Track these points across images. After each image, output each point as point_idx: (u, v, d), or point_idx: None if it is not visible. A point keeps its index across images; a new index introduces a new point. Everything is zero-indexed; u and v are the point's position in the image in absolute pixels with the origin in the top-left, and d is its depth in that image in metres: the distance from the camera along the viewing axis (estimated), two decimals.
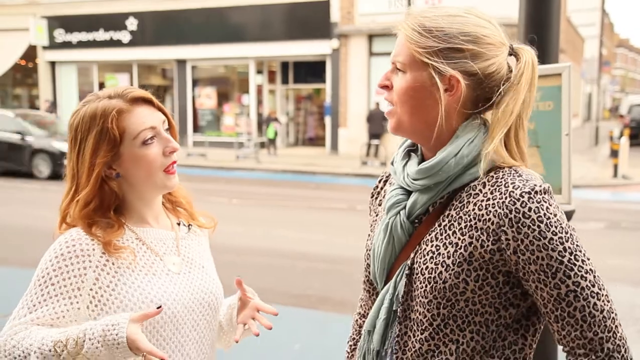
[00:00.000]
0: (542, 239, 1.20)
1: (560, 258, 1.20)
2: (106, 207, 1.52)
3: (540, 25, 2.19)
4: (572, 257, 1.21)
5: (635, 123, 26.54)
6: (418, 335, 1.31)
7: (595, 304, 1.21)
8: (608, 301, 1.23)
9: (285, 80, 23.68)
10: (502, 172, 1.27)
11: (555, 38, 2.21)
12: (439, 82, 1.27)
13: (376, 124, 18.22)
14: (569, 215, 2.23)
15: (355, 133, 20.40)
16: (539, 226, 1.20)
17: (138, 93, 1.53)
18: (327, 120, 21.94)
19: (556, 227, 1.21)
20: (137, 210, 1.57)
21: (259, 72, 23.03)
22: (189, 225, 1.69)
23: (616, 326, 1.23)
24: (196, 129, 23.55)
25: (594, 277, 1.22)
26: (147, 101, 1.54)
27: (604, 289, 1.23)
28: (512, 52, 1.32)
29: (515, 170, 1.27)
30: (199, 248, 1.68)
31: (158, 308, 1.40)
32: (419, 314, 1.31)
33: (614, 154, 16.43)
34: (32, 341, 1.38)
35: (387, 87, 1.35)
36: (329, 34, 20.73)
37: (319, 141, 23.52)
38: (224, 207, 11.57)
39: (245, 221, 10.17)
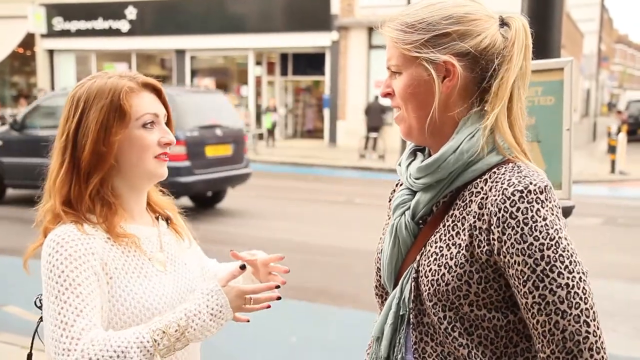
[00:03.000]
0: (522, 242, 1.14)
1: (534, 266, 1.13)
2: (108, 186, 1.48)
3: (543, 19, 2.18)
4: (547, 268, 1.13)
5: (633, 119, 26.64)
6: (435, 339, 1.26)
7: (557, 322, 1.12)
8: (577, 322, 1.12)
9: (284, 72, 23.63)
10: (505, 168, 1.23)
11: (557, 32, 2.20)
12: (433, 71, 1.25)
13: (374, 116, 18.20)
14: (569, 210, 2.23)
15: (353, 126, 20.39)
16: (522, 229, 1.14)
17: (149, 80, 1.53)
18: (326, 112, 21.92)
19: (540, 232, 1.14)
20: (124, 200, 1.52)
21: (258, 63, 22.99)
22: (167, 219, 1.65)
23: (580, 350, 1.12)
24: None
25: (568, 292, 1.13)
26: (155, 90, 1.54)
27: (577, 308, 1.12)
28: (503, 23, 1.29)
29: (517, 166, 1.22)
30: (178, 245, 1.64)
31: (242, 267, 1.46)
32: (430, 317, 1.26)
33: (612, 149, 16.46)
34: (123, 339, 1.31)
35: (390, 95, 1.33)
36: (328, 26, 20.68)
37: (318, 133, 23.50)
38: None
39: (242, 213, 10.17)
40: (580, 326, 1.13)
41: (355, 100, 20.82)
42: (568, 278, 1.13)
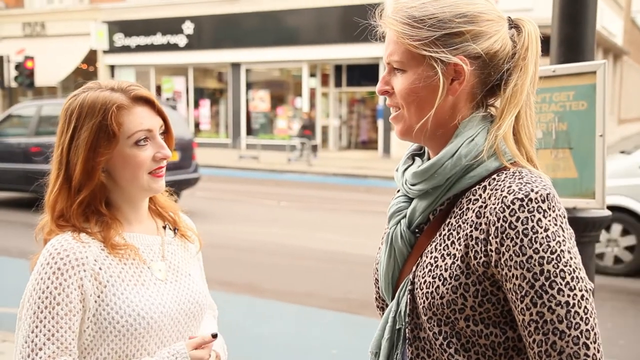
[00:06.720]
0: (521, 255, 1.06)
1: (532, 282, 1.05)
2: (99, 201, 1.47)
3: (576, 21, 2.07)
4: (547, 284, 1.04)
5: None
6: (432, 355, 1.19)
7: (554, 342, 1.04)
8: (576, 344, 1.04)
9: (338, 84, 23.67)
10: (505, 174, 1.14)
11: (590, 34, 2.09)
12: (440, 73, 1.17)
13: None
14: (604, 221, 2.10)
15: None
16: (522, 240, 1.06)
17: (141, 92, 1.48)
18: (380, 123, 21.82)
19: (541, 245, 1.05)
20: (123, 211, 1.51)
21: (313, 75, 23.10)
22: (175, 229, 1.62)
23: None
24: (249, 131, 23.78)
25: (567, 311, 1.04)
26: (148, 102, 1.48)
27: (576, 329, 1.04)
28: (512, 25, 1.22)
29: (519, 172, 1.13)
30: (185, 254, 1.61)
31: (214, 336, 1.48)
32: (426, 332, 1.19)
33: None
34: None
35: (387, 93, 1.26)
36: (382, 37, 20.61)
37: (372, 144, 23.42)
38: (272, 210, 11.62)
39: (292, 224, 10.18)
40: (579, 349, 1.04)
41: None
42: (569, 296, 1.05)
